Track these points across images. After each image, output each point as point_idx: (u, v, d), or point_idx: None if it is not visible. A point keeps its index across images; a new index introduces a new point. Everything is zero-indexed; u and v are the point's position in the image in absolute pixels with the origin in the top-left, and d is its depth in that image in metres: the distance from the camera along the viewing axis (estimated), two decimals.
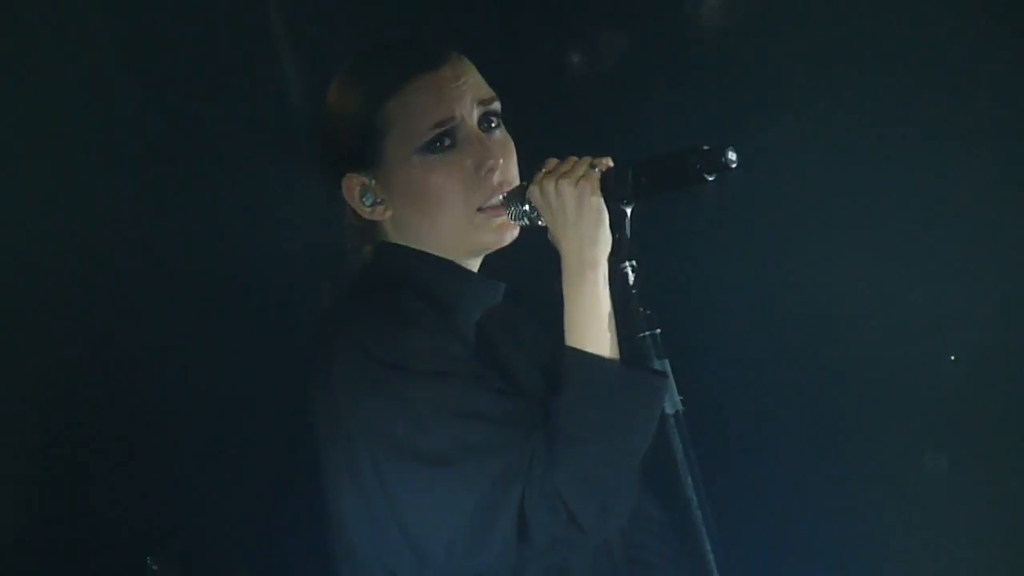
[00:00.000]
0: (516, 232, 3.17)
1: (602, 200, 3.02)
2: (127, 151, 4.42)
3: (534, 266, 3.12)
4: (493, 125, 3.18)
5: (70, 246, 4.27)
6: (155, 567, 4.37)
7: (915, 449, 4.48)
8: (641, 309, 3.03)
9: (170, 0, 4.45)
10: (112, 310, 4.35)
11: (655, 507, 3.29)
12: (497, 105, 3.19)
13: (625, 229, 3.04)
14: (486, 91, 3.18)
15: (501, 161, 3.14)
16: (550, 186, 3.02)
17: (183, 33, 4.45)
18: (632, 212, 3.05)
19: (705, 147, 2.96)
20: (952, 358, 4.45)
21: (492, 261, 3.24)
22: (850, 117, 4.41)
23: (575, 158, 3.07)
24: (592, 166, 3.04)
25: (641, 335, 3.03)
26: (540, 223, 3.09)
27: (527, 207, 3.10)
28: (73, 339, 4.30)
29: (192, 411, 4.40)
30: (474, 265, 3.23)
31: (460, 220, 3.14)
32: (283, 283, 4.45)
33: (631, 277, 3.04)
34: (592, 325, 3.02)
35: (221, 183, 4.48)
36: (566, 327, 3.04)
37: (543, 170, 3.08)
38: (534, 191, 3.06)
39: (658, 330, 3.04)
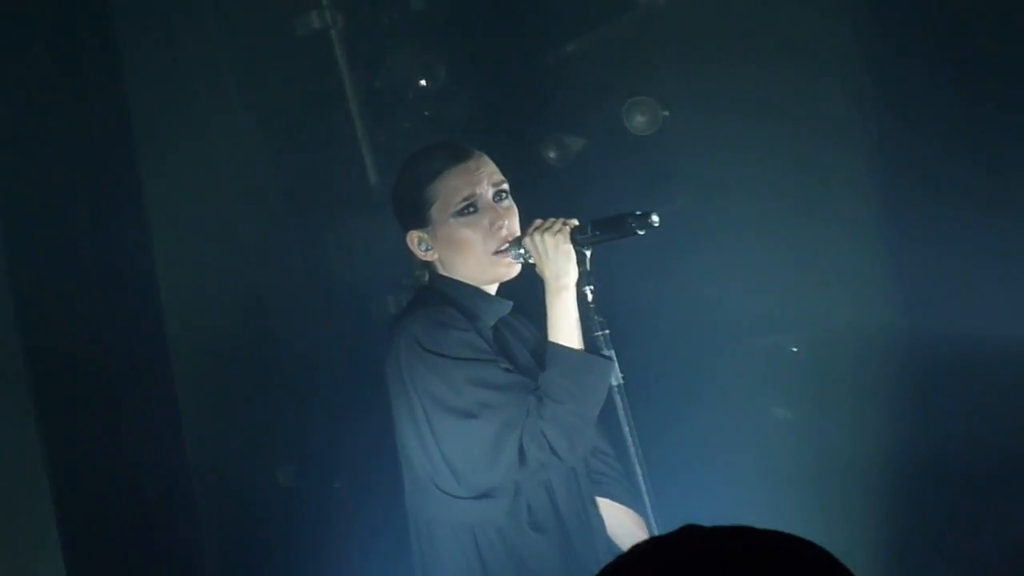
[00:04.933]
0: (518, 269, 3.10)
1: (571, 246, 2.99)
2: (269, 213, 4.42)
3: (531, 290, 3.10)
4: (503, 198, 3.11)
5: (231, 271, 4.26)
6: (280, 477, 4.34)
7: (768, 403, 4.49)
8: (596, 317, 3.02)
9: (298, 119, 4.44)
10: (258, 315, 4.34)
11: (607, 445, 3.24)
12: (506, 185, 3.12)
13: (586, 265, 3.01)
14: (498, 176, 3.12)
15: (507, 221, 3.08)
16: (537, 237, 3.00)
17: (304, 135, 4.45)
18: (591, 254, 3.02)
19: (638, 212, 2.95)
20: (794, 349, 4.48)
21: (506, 287, 3.19)
22: (728, 192, 4.41)
23: (553, 219, 3.03)
24: (564, 223, 3.01)
25: (596, 334, 3.02)
26: (531, 261, 3.05)
27: (522, 251, 3.05)
28: (234, 332, 4.26)
29: (312, 376, 4.39)
30: (492, 290, 3.16)
31: (481, 260, 3.08)
32: (363, 296, 4.41)
33: (590, 296, 3.01)
34: (565, 327, 3.00)
35: (327, 231, 4.47)
36: (548, 328, 3.03)
37: (532, 226, 3.04)
38: (526, 240, 3.03)
39: (608, 331, 3.03)
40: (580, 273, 3.01)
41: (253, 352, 4.30)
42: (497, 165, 3.16)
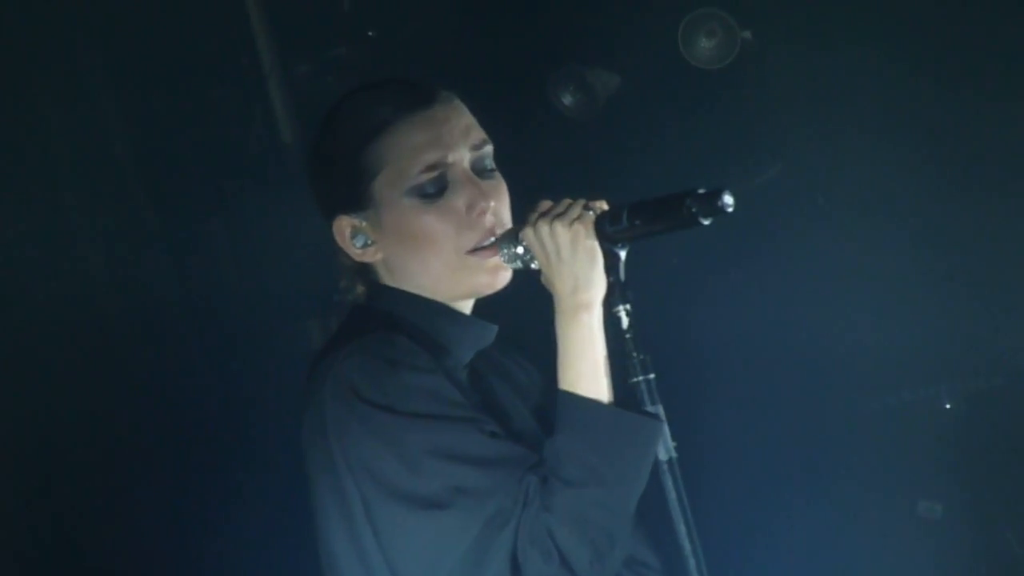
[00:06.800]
0: (509, 275, 3.12)
1: (596, 242, 2.99)
2: (122, 190, 4.43)
3: (528, 310, 3.09)
4: (486, 167, 3.13)
5: (70, 277, 4.28)
6: None
7: (909, 496, 4.48)
8: (635, 353, 3.00)
9: (162, 40, 4.44)
10: (105, 341, 4.36)
11: (649, 553, 3.24)
12: (489, 148, 3.14)
13: (619, 272, 3.01)
14: (477, 134, 3.14)
15: (493, 203, 3.10)
16: (544, 227, 2.99)
17: (176, 71, 4.46)
18: (627, 255, 3.02)
19: (700, 191, 2.92)
20: (948, 406, 4.46)
21: (486, 304, 3.19)
22: (843, 163, 4.41)
23: (569, 200, 3.03)
24: (587, 208, 3.01)
25: (635, 380, 3.00)
26: (533, 265, 3.05)
27: (520, 249, 3.06)
28: (69, 371, 4.30)
29: (181, 447, 4.40)
30: (466, 308, 3.18)
31: (452, 262, 3.10)
32: (272, 319, 4.44)
33: (625, 321, 3.00)
34: (586, 368, 3.00)
35: (213, 217, 4.46)
36: (559, 370, 3.01)
37: (537, 212, 3.03)
38: (528, 232, 3.02)
39: (652, 375, 3.00)
40: (610, 284, 3.02)
41: (84, 409, 4.33)
42: (478, 115, 3.16)
